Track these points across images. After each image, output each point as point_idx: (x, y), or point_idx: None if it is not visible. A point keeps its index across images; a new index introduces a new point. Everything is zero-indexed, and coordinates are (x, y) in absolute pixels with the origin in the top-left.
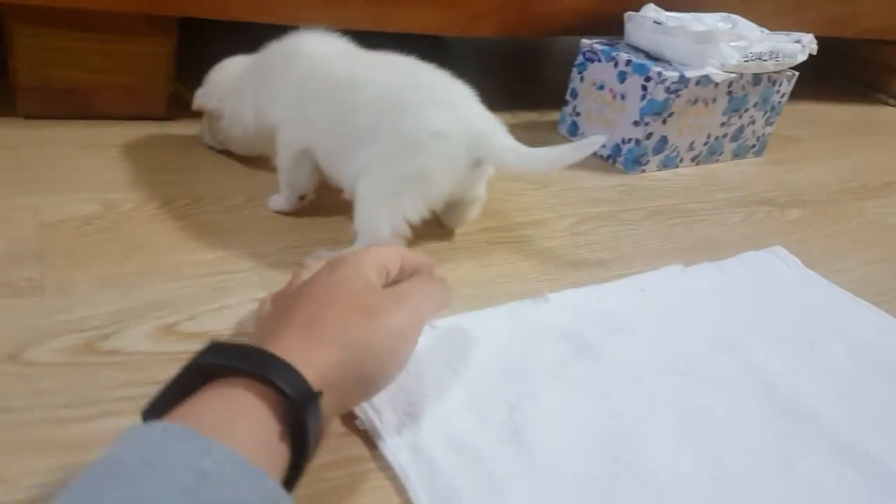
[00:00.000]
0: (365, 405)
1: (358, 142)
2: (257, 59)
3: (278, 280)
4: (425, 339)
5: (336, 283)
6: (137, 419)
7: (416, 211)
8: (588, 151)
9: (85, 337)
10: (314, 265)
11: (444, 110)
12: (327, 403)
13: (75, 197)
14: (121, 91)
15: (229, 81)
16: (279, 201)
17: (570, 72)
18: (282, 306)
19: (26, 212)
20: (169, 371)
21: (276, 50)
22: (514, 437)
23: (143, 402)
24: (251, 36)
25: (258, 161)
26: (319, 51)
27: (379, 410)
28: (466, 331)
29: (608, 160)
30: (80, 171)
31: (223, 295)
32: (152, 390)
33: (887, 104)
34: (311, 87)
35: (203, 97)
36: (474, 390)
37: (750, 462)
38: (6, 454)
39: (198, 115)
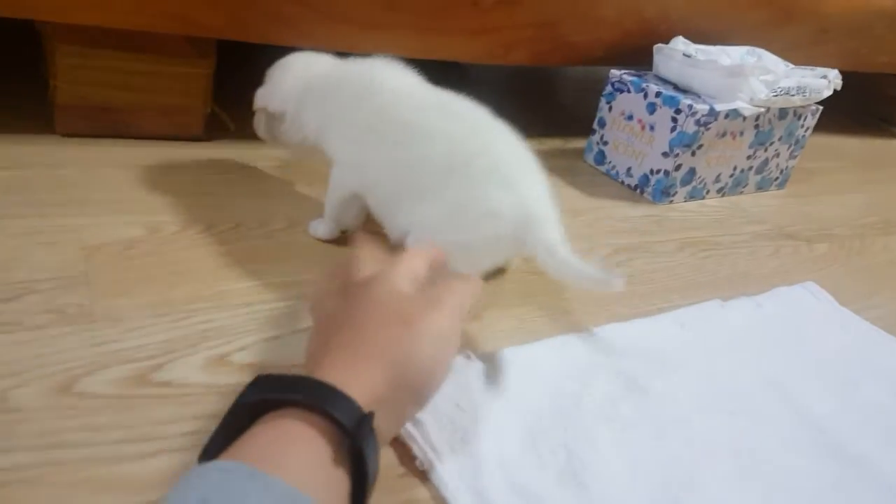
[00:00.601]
0: (423, 444)
1: (415, 196)
2: (331, 78)
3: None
4: (476, 373)
5: (370, 300)
6: (195, 456)
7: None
8: (613, 288)
9: (137, 368)
10: (367, 257)
11: (504, 189)
12: (382, 422)
13: (118, 219)
14: (159, 111)
15: (296, 86)
16: (321, 230)
17: (595, 99)
18: (321, 331)
19: (70, 234)
20: (224, 405)
21: (351, 75)
22: (574, 481)
23: (201, 438)
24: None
25: (298, 183)
26: (391, 87)
27: (437, 450)
28: (516, 365)
29: (636, 190)
30: (119, 191)
31: (272, 325)
32: (209, 425)
33: None
34: (379, 129)
35: (265, 98)
36: (531, 430)
37: None
38: (65, 493)
39: (234, 137)
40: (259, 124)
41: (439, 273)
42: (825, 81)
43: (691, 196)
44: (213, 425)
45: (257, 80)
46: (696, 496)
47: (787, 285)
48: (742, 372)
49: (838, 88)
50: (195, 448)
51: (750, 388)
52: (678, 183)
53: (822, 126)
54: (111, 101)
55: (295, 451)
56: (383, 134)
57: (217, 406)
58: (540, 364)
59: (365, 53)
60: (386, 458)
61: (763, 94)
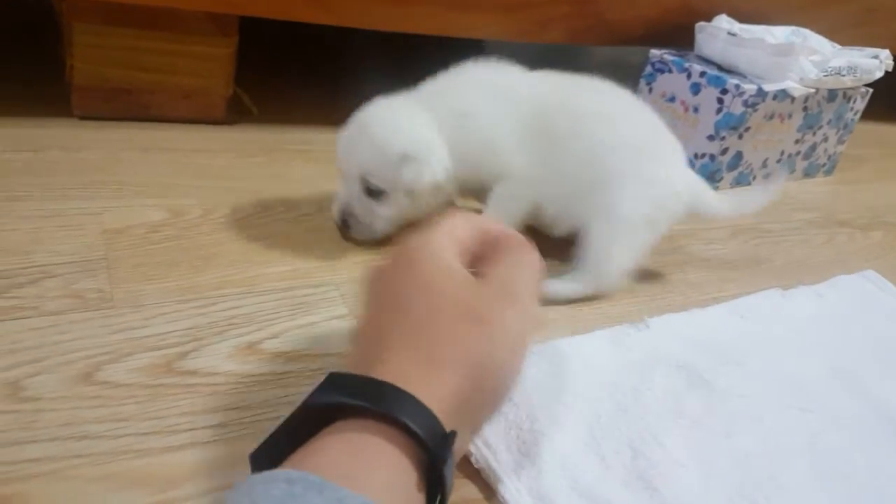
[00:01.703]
0: (478, 442)
1: (598, 184)
2: (463, 100)
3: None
4: (532, 369)
5: (423, 282)
6: (225, 450)
7: (641, 253)
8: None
9: (163, 355)
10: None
11: (680, 166)
12: (458, 438)
13: (140, 202)
14: (179, 93)
15: (419, 132)
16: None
17: (632, 81)
18: (376, 315)
19: (90, 217)
20: (255, 395)
21: (482, 90)
22: (642, 483)
23: (231, 431)
24: (310, 40)
25: (323, 168)
26: (530, 83)
27: (493, 448)
28: (570, 358)
29: None
30: (140, 174)
31: (304, 311)
32: (239, 416)
33: None
34: (548, 128)
35: (420, 171)
36: (591, 428)
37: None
38: (88, 488)
39: (257, 120)
40: (359, 218)
41: (490, 241)
42: (877, 62)
43: (738, 182)
44: (243, 417)
45: (284, 63)
46: (774, 498)
47: (846, 273)
48: (810, 366)
49: (890, 69)
50: (224, 441)
51: (821, 383)
52: (724, 168)
53: (868, 113)
54: (130, 81)
55: (372, 466)
56: (554, 131)
57: (248, 397)
58: (596, 357)
59: (394, 30)
60: None
61: (813, 73)
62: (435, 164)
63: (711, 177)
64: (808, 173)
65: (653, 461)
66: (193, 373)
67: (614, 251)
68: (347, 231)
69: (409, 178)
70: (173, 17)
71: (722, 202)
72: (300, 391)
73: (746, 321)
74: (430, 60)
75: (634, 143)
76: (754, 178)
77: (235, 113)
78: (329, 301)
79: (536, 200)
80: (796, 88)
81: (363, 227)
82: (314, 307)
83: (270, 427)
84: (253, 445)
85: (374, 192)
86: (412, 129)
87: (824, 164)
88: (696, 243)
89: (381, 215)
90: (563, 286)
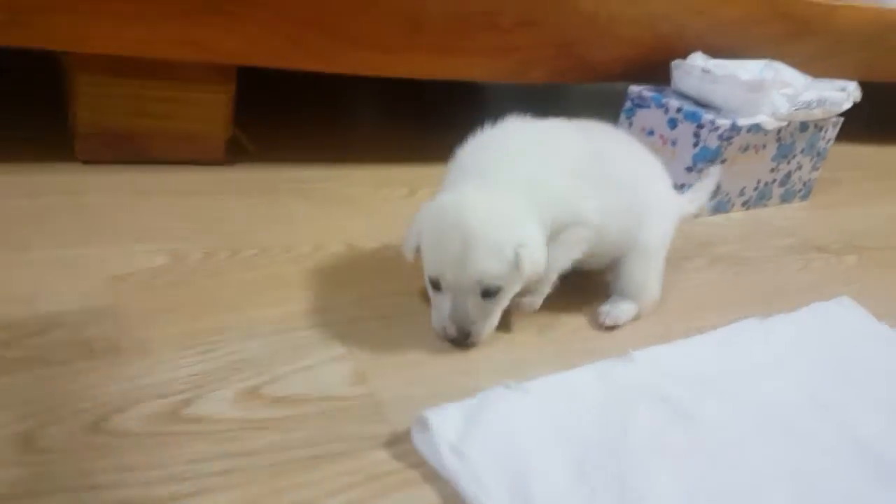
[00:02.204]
0: (470, 481)
1: (639, 219)
2: (523, 175)
3: (354, 335)
4: (519, 402)
5: None
6: (230, 496)
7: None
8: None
9: (169, 403)
10: None
11: (672, 191)
12: None
13: (142, 248)
14: (180, 137)
15: (518, 216)
16: (538, 302)
17: (613, 115)
18: None
19: (94, 262)
20: (257, 441)
21: (540, 152)
22: None
23: (235, 477)
24: (307, 78)
25: (321, 207)
26: (576, 139)
27: (485, 487)
28: (559, 395)
29: None
30: (141, 219)
31: (302, 354)
32: (245, 463)
33: None
34: (599, 176)
35: (537, 253)
36: (580, 462)
37: None
38: None
39: (255, 160)
40: (497, 312)
41: None
42: (844, 94)
43: (716, 210)
44: (247, 463)
45: (279, 100)
46: None
47: (822, 300)
48: (790, 395)
49: (857, 100)
50: (231, 488)
51: (800, 411)
52: None
53: (843, 135)
54: (132, 128)
55: None
56: (600, 178)
57: (252, 442)
58: (582, 391)
59: (385, 76)
60: (429, 496)
61: (784, 108)
62: (538, 238)
63: None
64: (784, 199)
65: (642, 494)
66: (199, 420)
67: (651, 276)
68: (466, 343)
69: (529, 268)
70: (174, 67)
71: (690, 205)
72: (300, 436)
73: (728, 351)
74: (425, 97)
75: (652, 180)
76: (732, 205)
77: (234, 153)
78: (325, 342)
79: (594, 242)
80: (769, 122)
81: (484, 330)
82: (311, 349)
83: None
84: (257, 491)
85: (490, 293)
86: (512, 215)
87: (800, 190)
88: (676, 272)
89: (498, 310)
90: (623, 309)
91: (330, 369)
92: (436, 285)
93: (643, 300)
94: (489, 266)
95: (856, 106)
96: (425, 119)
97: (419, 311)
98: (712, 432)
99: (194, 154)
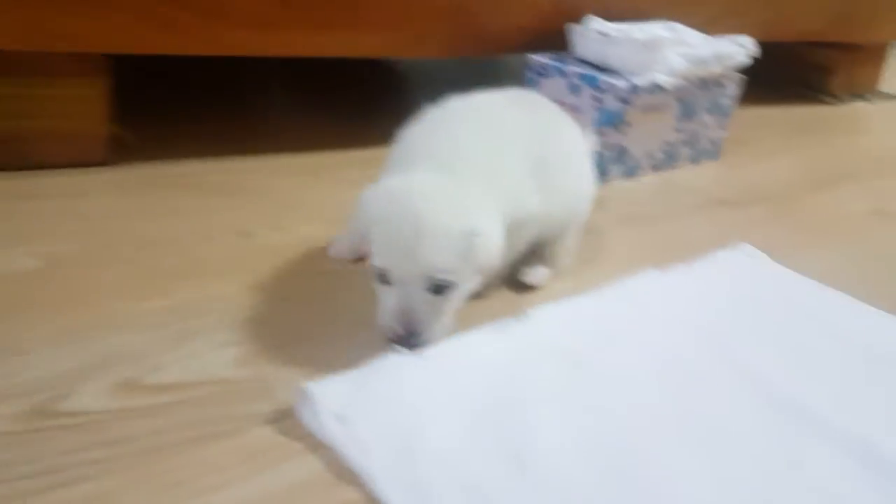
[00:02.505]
0: (354, 446)
1: (578, 196)
2: (474, 159)
3: (244, 320)
4: (411, 367)
5: None
6: (103, 485)
7: None
8: None
9: (42, 399)
10: None
11: None
12: None
13: (17, 250)
14: (57, 138)
15: (470, 202)
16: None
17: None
18: None
19: None
20: (136, 428)
21: (493, 136)
22: (522, 469)
23: (113, 464)
24: (196, 73)
25: (211, 198)
26: (522, 118)
27: (369, 451)
28: (453, 358)
29: None
30: (17, 224)
31: (186, 342)
32: (121, 450)
33: (826, 103)
34: (544, 159)
35: (491, 241)
36: (475, 422)
37: (757, 466)
38: None
39: (141, 158)
40: (450, 311)
41: None
42: (741, 48)
43: (626, 175)
44: (124, 450)
45: (167, 96)
46: (643, 465)
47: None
48: (684, 338)
49: (754, 55)
50: (105, 475)
51: (693, 353)
52: (610, 162)
53: (752, 99)
54: (5, 131)
55: None
56: (546, 161)
57: (128, 430)
58: (479, 352)
59: (264, 55)
60: (312, 465)
61: (681, 65)
62: (495, 229)
63: (600, 171)
64: (694, 160)
65: (534, 447)
66: (74, 414)
67: (574, 242)
68: (415, 343)
69: (483, 258)
70: (36, 62)
71: None
72: (179, 420)
73: (624, 304)
74: (322, 83)
75: (585, 153)
76: (641, 169)
77: (118, 153)
78: (213, 329)
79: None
80: (666, 80)
81: (435, 330)
82: (197, 337)
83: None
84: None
85: (441, 288)
86: (468, 201)
87: (708, 150)
88: (584, 233)
89: (449, 309)
90: (542, 273)
91: (216, 354)
92: (383, 279)
93: (562, 264)
94: (440, 257)
95: (765, 69)
96: (327, 105)
97: (318, 292)
98: (605, 381)
99: (73, 155)
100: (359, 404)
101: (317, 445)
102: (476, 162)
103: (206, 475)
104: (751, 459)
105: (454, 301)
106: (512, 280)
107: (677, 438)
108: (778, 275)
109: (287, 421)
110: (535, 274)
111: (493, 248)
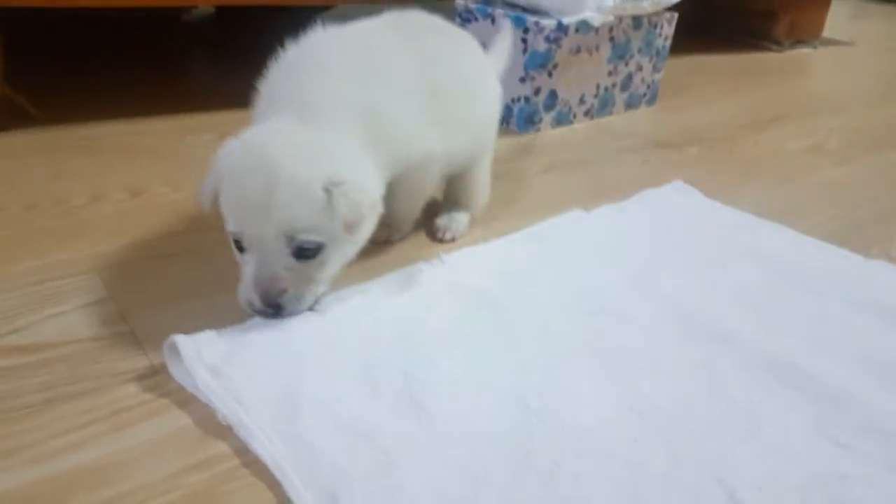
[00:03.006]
0: (228, 398)
1: (483, 126)
2: (343, 101)
3: (121, 280)
4: (298, 322)
5: None
6: None
7: None
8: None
9: None
10: None
11: None
12: None
13: None
14: None
15: (333, 148)
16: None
17: None
18: None
19: None
20: None
21: (371, 72)
22: (411, 406)
23: None
24: (94, 32)
25: (105, 159)
26: (414, 46)
27: (245, 403)
28: (354, 307)
29: (501, 123)
30: None
31: (56, 301)
32: None
33: (770, 50)
34: (440, 90)
35: (360, 192)
36: (365, 364)
37: (676, 392)
38: None
39: (39, 123)
40: (323, 278)
41: None
42: None
43: (558, 122)
44: None
45: (65, 59)
46: (551, 399)
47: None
48: (602, 273)
49: None
50: None
51: (611, 287)
52: (541, 108)
53: (694, 47)
54: None
55: None
56: (442, 93)
57: None
58: (381, 299)
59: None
60: (179, 420)
61: (610, 1)
62: (366, 178)
63: (530, 119)
64: (630, 105)
65: (424, 383)
66: None
67: (487, 176)
68: (280, 314)
69: (347, 212)
70: None
71: (499, 67)
72: (35, 381)
73: (544, 244)
74: (221, 36)
75: (483, 70)
76: (574, 116)
77: (12, 117)
78: (87, 288)
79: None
80: (595, 17)
81: (304, 300)
82: (68, 296)
83: None
84: None
85: (306, 251)
86: (327, 146)
87: (644, 94)
88: (506, 182)
89: (324, 275)
90: (459, 219)
91: (86, 313)
92: (239, 245)
93: (478, 203)
94: (296, 212)
95: (702, 15)
96: (235, 62)
97: (205, 249)
98: (514, 318)
99: None
100: (236, 358)
101: (186, 401)
102: (345, 102)
103: (57, 437)
104: (671, 387)
105: (328, 267)
106: (427, 225)
107: (592, 372)
108: (710, 209)
109: (156, 377)
110: (451, 225)
111: (357, 196)
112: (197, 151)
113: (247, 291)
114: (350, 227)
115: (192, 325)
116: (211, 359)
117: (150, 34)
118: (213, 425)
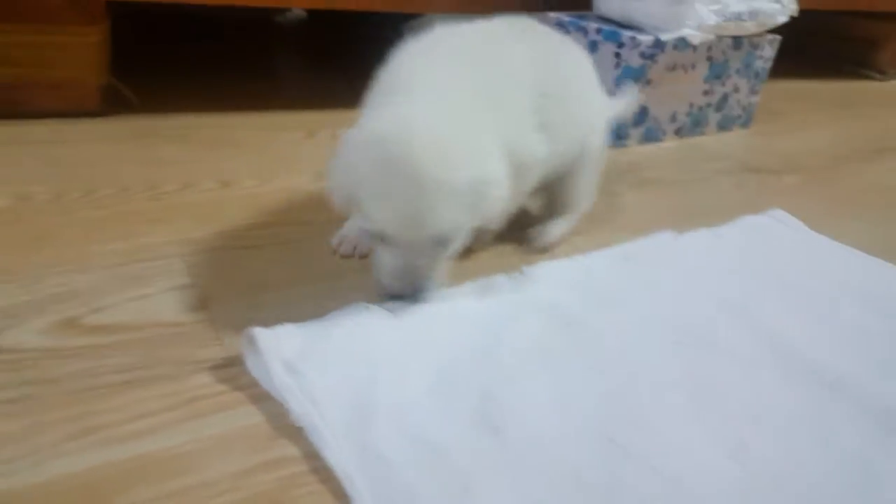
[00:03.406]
0: (302, 398)
1: (591, 130)
2: (472, 99)
3: (205, 267)
4: (377, 323)
5: None
6: (28, 421)
7: None
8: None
9: None
10: None
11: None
12: None
13: None
14: (49, 86)
15: (473, 146)
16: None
17: None
18: None
19: None
20: (64, 368)
21: (492, 71)
22: (487, 426)
23: (29, 404)
24: (197, 26)
25: (197, 149)
26: (526, 51)
27: (320, 405)
28: (433, 313)
29: None
30: None
31: (140, 284)
32: (41, 390)
33: (871, 78)
34: (549, 93)
35: (497, 190)
36: (442, 376)
37: (781, 440)
38: None
39: (137, 111)
40: (448, 260)
41: None
42: (778, 6)
43: (646, 139)
44: (44, 390)
45: (170, 51)
46: (637, 435)
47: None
48: (695, 301)
49: (794, 14)
50: (18, 416)
51: (704, 317)
52: (630, 124)
53: (790, 71)
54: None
55: None
56: (551, 96)
57: (52, 370)
58: (459, 308)
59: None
60: (251, 416)
61: (712, 20)
62: (501, 170)
63: (618, 134)
64: (722, 126)
65: (503, 403)
66: (2, 351)
67: (592, 182)
68: (416, 300)
69: (492, 208)
70: (33, 8)
71: (612, 109)
72: (113, 362)
73: (633, 264)
74: (326, 42)
75: (593, 82)
76: (664, 133)
77: (114, 104)
78: (171, 272)
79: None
80: (695, 36)
81: (436, 283)
82: (152, 279)
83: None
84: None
85: (443, 241)
86: (472, 143)
87: (739, 116)
88: (599, 197)
89: (449, 258)
90: (555, 227)
91: (168, 297)
92: (379, 239)
93: (579, 210)
94: (447, 220)
95: (802, 40)
96: (331, 64)
97: (290, 242)
98: (599, 341)
99: (67, 104)
100: (313, 356)
101: (260, 396)
102: (473, 94)
103: (132, 421)
104: (774, 434)
105: (453, 249)
106: (511, 233)
107: (683, 409)
108: (815, 243)
109: (233, 368)
110: (548, 233)
111: (501, 195)
112: (285, 148)
113: (388, 277)
114: (490, 220)
115: (271, 318)
116: (288, 354)
117: (245, 35)
118: (284, 425)
